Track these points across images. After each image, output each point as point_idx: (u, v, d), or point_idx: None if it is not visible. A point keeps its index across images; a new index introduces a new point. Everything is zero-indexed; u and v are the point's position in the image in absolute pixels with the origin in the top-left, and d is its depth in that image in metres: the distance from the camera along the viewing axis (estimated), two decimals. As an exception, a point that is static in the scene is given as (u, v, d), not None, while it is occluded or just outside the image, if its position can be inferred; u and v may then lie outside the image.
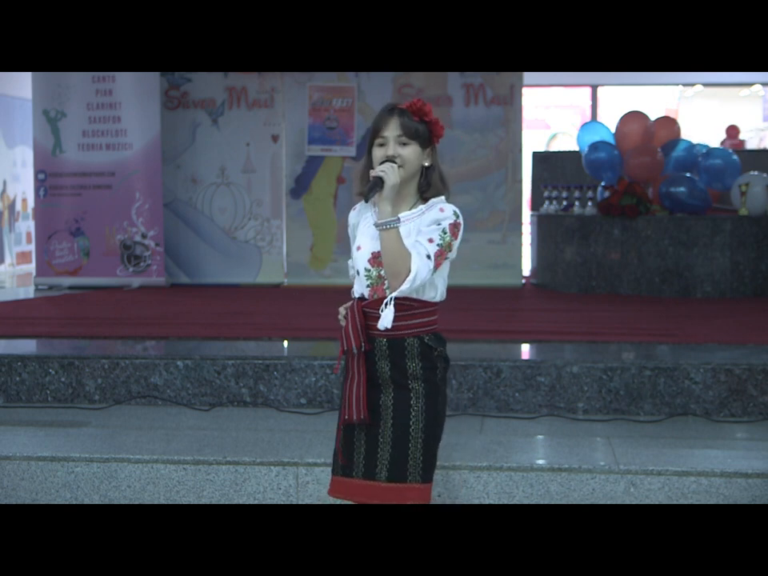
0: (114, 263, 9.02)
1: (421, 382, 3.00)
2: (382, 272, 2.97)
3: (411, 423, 2.98)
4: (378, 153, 2.98)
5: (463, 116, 9.03)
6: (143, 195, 8.95)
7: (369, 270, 3.01)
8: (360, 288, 3.04)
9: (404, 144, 2.97)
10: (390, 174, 2.91)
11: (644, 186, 8.22)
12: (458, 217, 2.98)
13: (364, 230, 3.06)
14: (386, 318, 2.96)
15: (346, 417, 3.01)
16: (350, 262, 3.17)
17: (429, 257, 2.92)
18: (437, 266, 2.94)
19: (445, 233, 2.94)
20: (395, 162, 2.94)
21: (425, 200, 3.03)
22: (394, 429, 2.98)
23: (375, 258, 2.99)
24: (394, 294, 2.95)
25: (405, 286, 2.92)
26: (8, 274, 11.20)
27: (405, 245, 2.91)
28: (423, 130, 2.99)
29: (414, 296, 2.99)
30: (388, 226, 2.91)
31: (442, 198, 3.04)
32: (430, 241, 2.93)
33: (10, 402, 5.07)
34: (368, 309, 3.00)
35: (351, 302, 3.07)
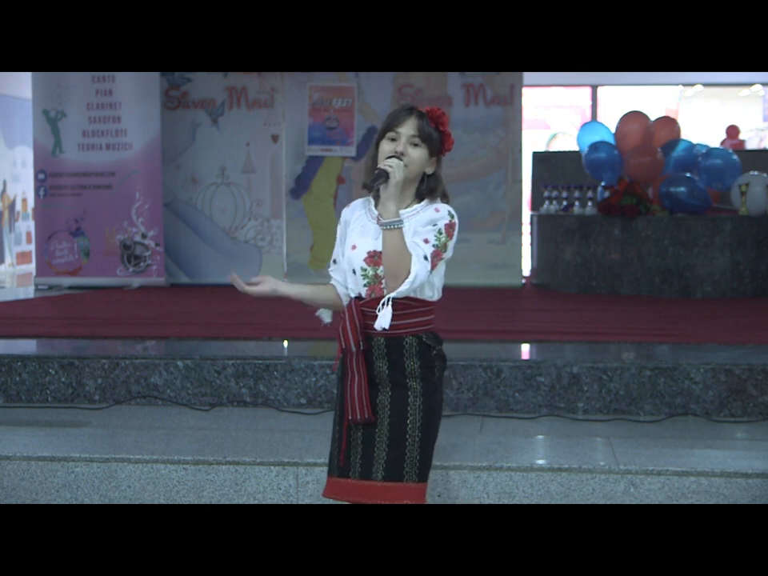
0: (114, 263, 9.01)
1: (419, 381, 3.00)
2: (379, 271, 2.96)
3: (408, 422, 2.98)
4: (387, 146, 2.97)
5: (463, 116, 9.03)
6: (143, 195, 8.95)
7: (365, 270, 2.99)
8: (356, 287, 3.03)
9: (415, 145, 2.97)
10: (396, 169, 2.89)
11: (644, 186, 8.21)
12: (452, 217, 2.98)
13: (358, 229, 3.05)
14: (384, 318, 2.96)
15: (350, 417, 3.00)
16: (331, 261, 3.15)
17: (426, 258, 2.91)
18: (433, 267, 2.94)
19: (440, 233, 2.95)
20: (401, 159, 2.93)
21: (420, 201, 3.03)
22: (390, 428, 2.98)
23: (372, 257, 2.97)
24: (392, 295, 2.95)
25: (404, 287, 2.91)
26: (8, 274, 11.20)
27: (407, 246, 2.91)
28: (436, 137, 3.00)
29: (413, 295, 2.98)
30: (393, 226, 2.89)
31: (437, 199, 3.04)
32: (426, 242, 2.93)
33: (10, 402, 5.07)
34: (366, 308, 3.00)
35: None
